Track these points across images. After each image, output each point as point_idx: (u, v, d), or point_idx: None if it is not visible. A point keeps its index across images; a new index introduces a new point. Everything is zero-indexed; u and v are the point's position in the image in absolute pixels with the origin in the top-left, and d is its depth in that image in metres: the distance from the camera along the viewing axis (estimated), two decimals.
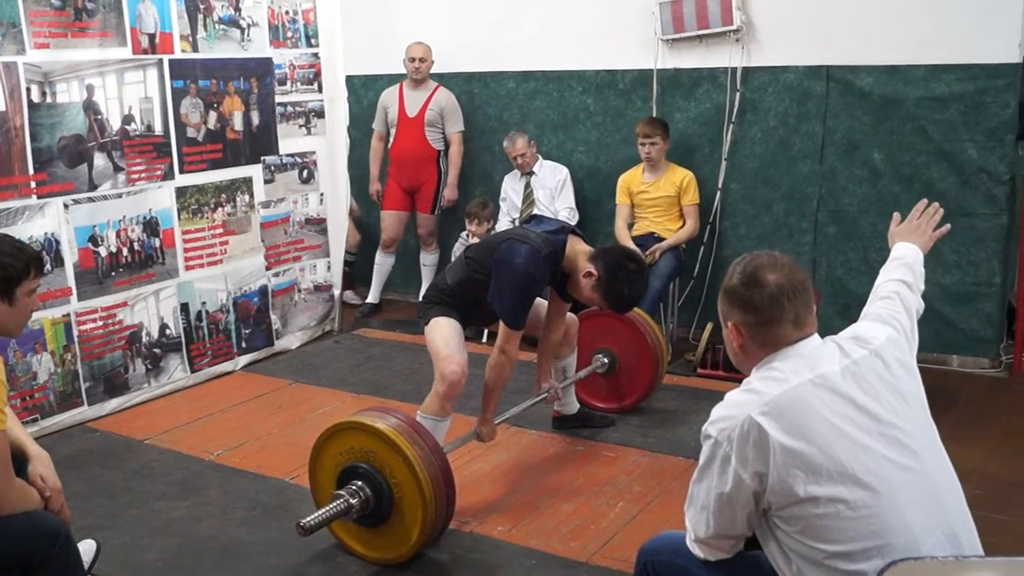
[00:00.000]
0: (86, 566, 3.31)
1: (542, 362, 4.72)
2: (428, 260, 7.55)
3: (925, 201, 3.15)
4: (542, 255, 4.13)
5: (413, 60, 7.13)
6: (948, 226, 3.14)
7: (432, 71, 7.25)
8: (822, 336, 2.44)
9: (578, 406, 5.07)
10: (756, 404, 2.26)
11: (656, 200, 6.42)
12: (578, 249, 4.25)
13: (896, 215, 3.18)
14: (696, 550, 2.43)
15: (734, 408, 2.30)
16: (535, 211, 6.70)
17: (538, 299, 4.57)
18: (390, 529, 3.68)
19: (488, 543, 3.94)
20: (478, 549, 3.89)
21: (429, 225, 7.44)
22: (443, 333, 4.29)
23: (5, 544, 2.85)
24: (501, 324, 4.19)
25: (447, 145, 7.29)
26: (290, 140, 6.49)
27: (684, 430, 5.05)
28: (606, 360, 5.21)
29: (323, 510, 3.59)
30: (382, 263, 7.58)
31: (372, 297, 7.63)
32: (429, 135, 7.23)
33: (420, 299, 7.23)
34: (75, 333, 5.22)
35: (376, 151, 7.50)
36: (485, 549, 3.89)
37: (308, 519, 3.53)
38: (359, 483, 3.64)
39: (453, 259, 7.08)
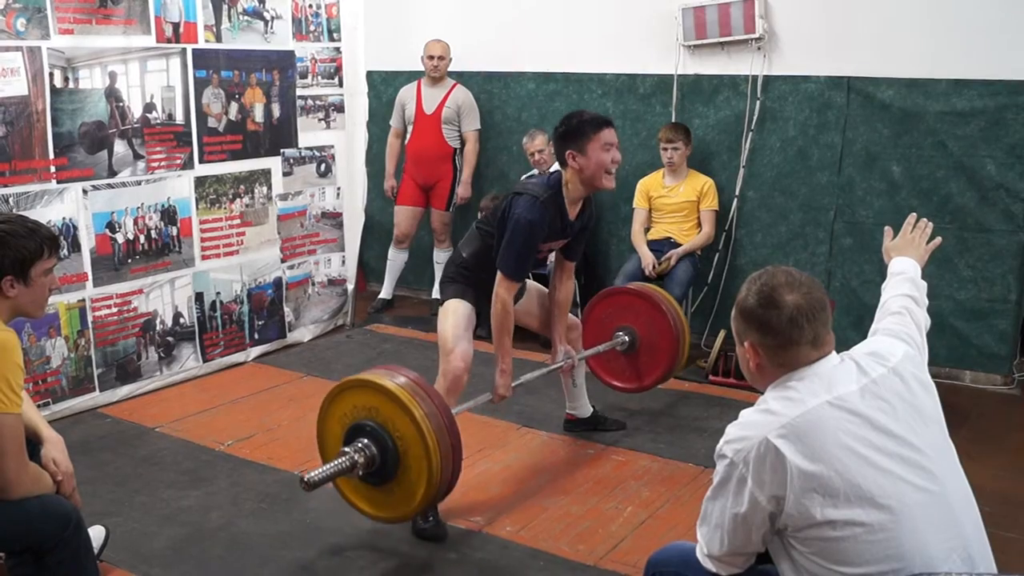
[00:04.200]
0: (95, 552, 3.32)
1: (555, 325, 4.65)
2: (441, 257, 7.54)
3: (915, 215, 3.14)
4: (540, 200, 4.15)
5: (432, 58, 7.15)
6: (939, 239, 3.12)
7: (451, 69, 7.26)
8: (837, 349, 2.42)
9: (591, 410, 5.06)
10: (773, 426, 2.24)
11: (676, 205, 6.43)
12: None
13: (888, 229, 3.18)
14: (709, 565, 2.41)
15: (750, 429, 2.28)
16: None
17: (535, 285, 4.58)
18: (397, 486, 3.57)
19: (496, 543, 3.94)
20: (486, 549, 3.89)
21: (443, 222, 7.45)
22: (453, 322, 4.25)
23: (17, 527, 2.87)
24: (499, 273, 4.18)
25: (463, 143, 7.30)
26: (309, 133, 6.51)
27: (695, 437, 5.05)
28: (626, 338, 5.14)
29: (327, 465, 3.49)
30: (395, 258, 7.59)
31: (384, 292, 7.64)
32: (446, 132, 7.24)
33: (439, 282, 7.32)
34: (90, 319, 5.24)
35: (392, 147, 7.50)
36: (493, 549, 3.89)
37: (312, 473, 3.42)
38: (365, 440, 3.54)
39: None
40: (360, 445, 3.53)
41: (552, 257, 4.60)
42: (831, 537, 2.19)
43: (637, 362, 5.24)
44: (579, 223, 4.43)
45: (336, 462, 3.50)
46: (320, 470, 3.46)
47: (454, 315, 4.28)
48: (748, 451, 2.24)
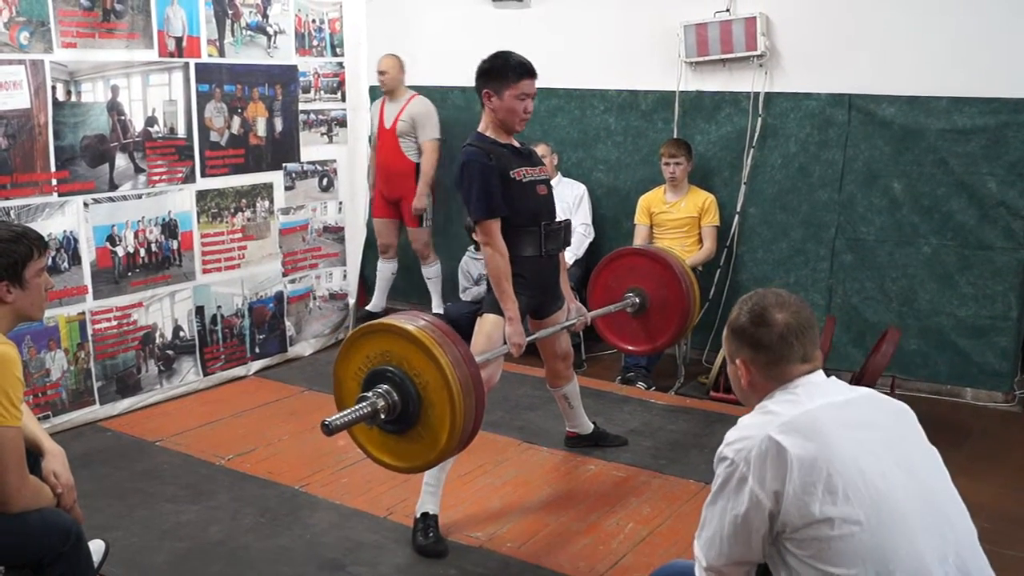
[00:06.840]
0: (95, 566, 3.31)
1: (561, 283, 4.55)
2: (430, 273, 7.46)
3: None
4: (471, 144, 4.19)
5: (379, 73, 7.13)
6: None
7: (455, 84, 7.24)
8: (838, 366, 2.45)
9: (592, 427, 5.04)
10: (774, 424, 2.26)
11: (678, 221, 6.43)
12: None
13: None
14: None
15: (751, 429, 2.30)
16: None
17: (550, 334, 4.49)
18: (424, 430, 3.40)
19: (497, 559, 3.92)
20: (487, 565, 3.88)
21: (421, 238, 7.32)
22: (485, 345, 4.14)
23: (17, 541, 2.86)
24: (477, 227, 4.15)
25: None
26: (312, 148, 6.52)
27: (696, 453, 5.03)
28: (636, 300, 5.12)
29: (349, 411, 3.33)
30: (383, 269, 7.48)
31: (375, 305, 7.51)
32: (403, 146, 7.14)
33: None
34: (89, 332, 5.24)
35: (372, 160, 7.37)
36: (494, 565, 3.88)
37: (333, 418, 3.26)
38: (385, 386, 3.39)
39: (461, 276, 7.08)
40: (381, 391, 3.37)
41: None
42: (828, 536, 2.19)
43: (649, 324, 5.21)
44: (536, 157, 4.44)
45: (357, 407, 3.34)
46: (342, 414, 3.30)
47: (488, 339, 4.17)
48: (749, 450, 2.26)
